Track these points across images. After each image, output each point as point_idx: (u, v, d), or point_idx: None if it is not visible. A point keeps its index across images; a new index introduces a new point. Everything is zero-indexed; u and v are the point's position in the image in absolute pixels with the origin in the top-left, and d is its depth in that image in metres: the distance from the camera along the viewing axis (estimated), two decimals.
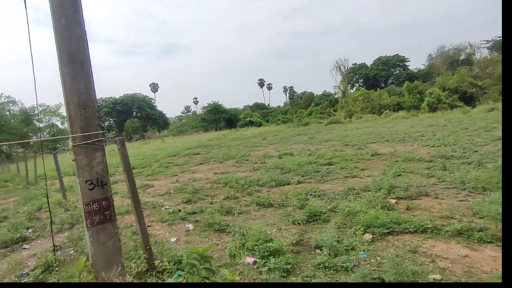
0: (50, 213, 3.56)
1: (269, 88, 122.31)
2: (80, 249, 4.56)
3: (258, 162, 12.19)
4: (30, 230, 6.38)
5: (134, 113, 59.95)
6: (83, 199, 2.45)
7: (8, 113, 33.67)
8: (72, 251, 4.65)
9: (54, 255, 4.27)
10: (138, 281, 3.08)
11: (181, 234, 5.22)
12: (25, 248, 5.47)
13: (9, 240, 5.66)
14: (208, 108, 61.38)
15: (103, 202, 2.49)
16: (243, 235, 4.50)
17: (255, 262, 3.77)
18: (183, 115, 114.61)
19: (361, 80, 70.75)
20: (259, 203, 6.31)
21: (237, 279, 2.83)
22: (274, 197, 6.58)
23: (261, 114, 64.01)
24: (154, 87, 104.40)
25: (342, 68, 51.33)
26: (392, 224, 4.34)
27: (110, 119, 59.90)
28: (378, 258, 3.62)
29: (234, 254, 4.07)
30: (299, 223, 4.93)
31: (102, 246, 2.48)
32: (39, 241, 5.78)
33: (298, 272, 3.50)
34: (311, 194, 6.57)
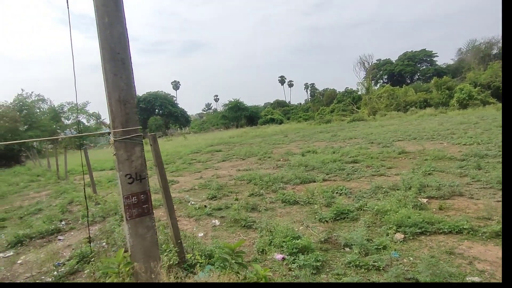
0: (87, 208, 3.71)
1: (290, 85, 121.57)
2: (113, 241, 4.71)
3: (281, 159, 12.16)
4: (63, 222, 6.67)
5: (156, 110, 61.34)
6: (123, 192, 2.53)
7: (38, 110, 35.18)
8: (104, 243, 4.81)
9: (90, 246, 4.45)
10: (171, 274, 3.14)
11: (208, 229, 5.29)
12: (60, 239, 5.73)
13: (45, 231, 5.95)
14: (229, 105, 61.81)
15: (141, 195, 2.57)
16: (270, 231, 4.52)
17: (283, 259, 3.77)
18: (204, 112, 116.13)
19: (386, 77, 68.89)
20: (285, 200, 6.31)
21: (269, 274, 2.85)
22: (299, 195, 6.55)
23: (282, 111, 63.77)
24: (176, 85, 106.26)
25: (366, 64, 50.18)
26: (425, 224, 4.20)
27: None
28: (411, 258, 3.52)
29: (263, 250, 4.09)
30: (326, 221, 4.88)
31: (141, 238, 2.56)
32: (72, 233, 6.03)
33: (328, 270, 3.47)
34: (337, 192, 6.49)
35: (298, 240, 4.00)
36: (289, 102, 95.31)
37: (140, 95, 60.38)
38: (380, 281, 3.10)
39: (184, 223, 5.72)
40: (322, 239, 4.24)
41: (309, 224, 4.95)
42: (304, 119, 51.17)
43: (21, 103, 31.96)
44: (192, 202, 7.12)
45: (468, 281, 2.98)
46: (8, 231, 6.42)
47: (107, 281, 2.50)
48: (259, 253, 4.07)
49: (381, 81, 69.61)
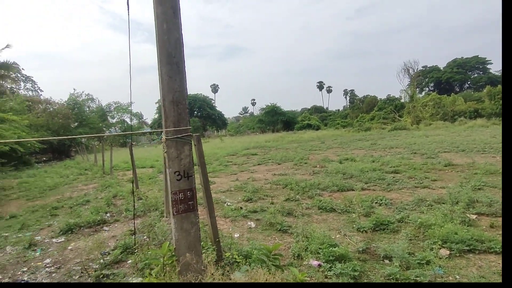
0: (134, 202, 3.95)
1: (329, 91, 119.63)
2: (153, 235, 4.95)
3: (318, 165, 12.01)
4: (108, 214, 7.09)
5: (195, 112, 63.18)
6: (171, 188, 2.68)
7: (87, 109, 37.65)
8: (146, 237, 5.07)
9: (134, 238, 4.72)
10: (212, 270, 3.25)
11: (244, 231, 5.38)
12: (105, 230, 6.10)
13: (92, 222, 6.38)
14: (266, 109, 62.10)
15: (188, 192, 2.71)
16: (307, 237, 4.50)
17: (320, 266, 3.74)
18: (241, 115, 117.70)
19: (432, 84, 65.40)
20: (321, 207, 6.23)
21: (307, 279, 2.85)
22: (336, 202, 6.43)
23: (319, 117, 62.91)
24: (215, 88, 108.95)
25: (410, 71, 47.86)
26: (473, 241, 3.95)
27: None
28: (458, 277, 3.33)
29: (298, 255, 4.08)
30: (365, 231, 4.76)
31: (185, 233, 2.69)
32: (116, 225, 6.40)
33: (365, 280, 3.38)
34: (376, 202, 6.29)
35: (335, 248, 3.95)
36: (327, 108, 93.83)
37: None
38: None
39: (220, 223, 5.85)
40: (360, 249, 4.14)
41: (347, 232, 4.86)
42: (342, 126, 50.00)
43: (73, 102, 34.54)
44: (228, 203, 7.26)
45: None
46: (60, 219, 6.99)
47: (152, 273, 2.66)
48: (295, 257, 4.07)
49: (427, 89, 66.18)
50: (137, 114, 46.68)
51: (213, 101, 70.21)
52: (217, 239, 3.88)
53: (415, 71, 49.20)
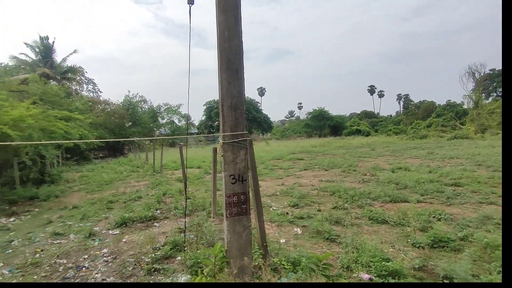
0: (186, 202, 4.09)
1: (381, 95, 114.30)
2: (201, 234, 5.08)
3: (368, 174, 11.49)
4: (158, 211, 7.42)
5: None
6: (226, 191, 2.73)
7: (140, 110, 40.04)
8: (193, 236, 5.22)
9: (185, 237, 4.89)
10: (256, 275, 3.24)
11: (290, 237, 5.30)
12: (156, 226, 6.41)
13: (144, 217, 6.74)
14: (313, 114, 61.19)
15: (242, 196, 2.74)
16: (357, 248, 4.31)
17: (371, 280, 3.55)
18: (286, 119, 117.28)
19: (501, 89, 59.29)
20: (372, 218, 5.94)
21: None
22: (389, 214, 6.09)
23: (370, 123, 60.32)
24: (261, 91, 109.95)
25: (476, 74, 43.80)
26: None
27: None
28: None
29: (347, 266, 3.92)
30: (422, 247, 4.43)
31: (237, 236, 2.72)
32: (165, 222, 6.68)
33: None
34: (434, 216, 5.83)
35: (388, 262, 3.72)
36: (378, 113, 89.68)
37: None
38: None
39: (266, 227, 5.80)
40: (416, 266, 3.85)
41: (401, 247, 4.56)
42: (395, 133, 47.40)
43: (128, 103, 37.05)
44: (274, 208, 7.23)
45: None
46: (115, 213, 7.49)
47: (204, 271, 2.72)
48: (344, 269, 3.91)
49: (494, 94, 60.23)
50: (185, 116, 48.76)
51: (259, 104, 70.82)
52: (265, 244, 3.87)
53: (481, 74, 44.98)
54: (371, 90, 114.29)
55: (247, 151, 2.80)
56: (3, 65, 27.92)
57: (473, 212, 6.05)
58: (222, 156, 2.72)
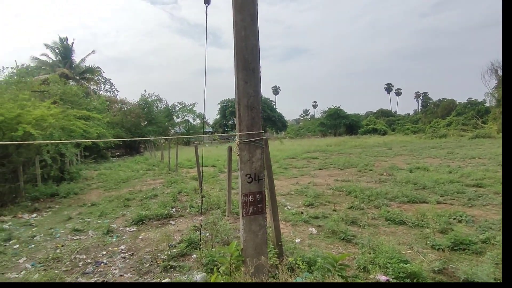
0: (201, 201, 4.10)
1: (398, 93, 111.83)
2: (216, 232, 5.09)
3: (384, 173, 11.28)
4: (174, 209, 7.49)
5: None
6: (242, 190, 2.73)
7: (156, 109, 40.54)
8: (208, 234, 5.25)
9: (200, 235, 4.93)
10: (271, 274, 3.23)
11: (305, 237, 5.26)
12: (171, 224, 6.48)
13: (160, 215, 6.82)
14: (328, 112, 60.58)
15: (258, 195, 2.73)
16: (373, 249, 4.23)
17: (388, 281, 3.48)
18: (301, 118, 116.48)
19: None
20: (389, 218, 5.82)
21: None
22: (407, 215, 5.95)
23: (386, 121, 59.21)
24: (276, 90, 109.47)
25: (499, 71, 42.24)
26: None
27: (234, 119, 65.20)
28: None
29: (364, 267, 3.85)
30: (441, 249, 4.30)
31: (253, 235, 2.72)
32: (181, 220, 6.75)
33: None
34: (455, 218, 5.66)
35: (406, 264, 3.63)
36: (395, 112, 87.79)
37: None
38: None
39: (281, 226, 5.78)
40: (436, 269, 3.75)
41: (420, 249, 4.45)
42: (412, 132, 46.35)
43: (144, 102, 37.65)
44: (289, 207, 7.20)
45: None
46: (132, 210, 7.62)
47: (220, 269, 2.73)
48: (360, 270, 3.85)
49: None
50: (200, 115, 49.16)
51: (273, 103, 70.67)
52: (280, 243, 3.85)
53: None
54: (388, 88, 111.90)
55: (263, 150, 2.78)
56: (25, 66, 28.85)
57: (496, 214, 5.85)
58: (238, 155, 2.71)
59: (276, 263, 3.58)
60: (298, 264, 3.47)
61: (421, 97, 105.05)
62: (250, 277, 2.59)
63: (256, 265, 2.63)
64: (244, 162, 2.68)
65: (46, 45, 33.88)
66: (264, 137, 3.81)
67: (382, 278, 3.55)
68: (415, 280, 3.37)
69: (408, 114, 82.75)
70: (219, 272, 2.66)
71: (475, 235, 4.72)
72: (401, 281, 3.39)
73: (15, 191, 9.15)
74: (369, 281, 3.53)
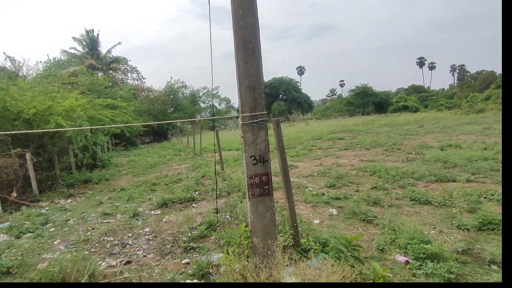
0: (216, 183, 4.14)
1: (432, 67, 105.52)
2: (235, 215, 5.18)
3: (413, 152, 10.84)
4: (196, 193, 7.68)
5: (280, 95, 63.30)
6: (247, 172, 2.72)
7: (181, 95, 41.02)
8: (228, 216, 5.34)
9: (217, 217, 5.03)
10: (285, 254, 3.24)
11: (324, 218, 5.22)
12: (194, 207, 6.66)
13: (183, 198, 7.03)
14: (355, 91, 58.48)
15: (263, 176, 2.72)
16: (394, 230, 4.12)
17: (407, 262, 3.38)
18: (328, 98, 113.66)
19: None
20: (414, 198, 5.62)
21: (389, 275, 2.60)
22: (433, 194, 5.71)
23: (419, 98, 56.29)
24: (301, 70, 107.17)
25: None
26: None
27: None
28: None
29: (382, 248, 3.77)
30: (467, 229, 4.10)
31: (260, 216, 2.72)
32: (203, 203, 6.91)
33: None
34: (485, 197, 5.36)
35: (427, 244, 3.50)
36: (429, 87, 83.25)
37: (266, 81, 63.10)
38: None
39: (300, 208, 5.80)
40: (460, 249, 3.59)
41: (443, 229, 4.27)
42: (447, 108, 43.85)
43: (170, 89, 38.25)
44: (310, 188, 7.14)
45: None
46: (157, 194, 7.90)
47: (229, 250, 2.78)
48: (378, 251, 3.77)
49: None
50: (225, 99, 49.22)
51: (299, 84, 69.43)
52: (295, 224, 3.83)
53: None
54: (421, 62, 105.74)
55: (267, 132, 2.74)
56: (56, 59, 30.20)
57: None
58: (242, 137, 2.69)
59: (291, 244, 3.59)
60: (311, 245, 3.46)
61: (457, 70, 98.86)
62: (257, 257, 2.62)
63: (263, 245, 2.65)
64: (248, 144, 2.66)
65: (74, 38, 35.13)
66: (275, 118, 3.75)
67: (401, 259, 3.46)
68: (435, 261, 3.25)
69: (443, 89, 78.22)
70: (228, 252, 2.71)
71: None
72: (421, 262, 3.29)
73: (52, 178, 9.78)
74: (387, 263, 3.45)
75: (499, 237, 3.89)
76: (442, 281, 2.92)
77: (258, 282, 1.90)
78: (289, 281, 2.11)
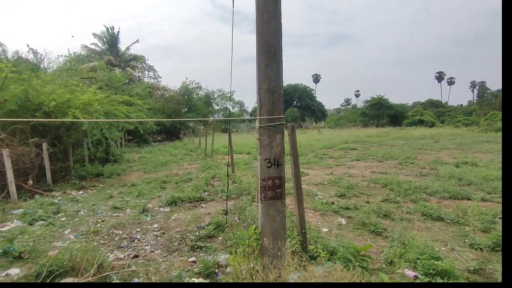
0: (228, 185, 4.17)
1: (451, 82, 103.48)
2: (244, 217, 5.18)
3: (427, 167, 10.65)
4: (206, 193, 7.71)
5: (294, 102, 63.18)
6: (261, 174, 2.74)
7: (196, 96, 41.27)
8: (236, 218, 5.35)
9: (226, 218, 5.04)
10: (294, 258, 3.22)
11: (333, 226, 5.17)
12: (202, 207, 6.70)
13: (192, 198, 7.08)
14: (370, 102, 57.84)
15: (277, 180, 2.72)
16: (404, 244, 4.04)
17: (416, 277, 3.32)
18: (342, 107, 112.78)
19: None
20: (426, 214, 5.51)
21: None
22: (446, 211, 5.60)
23: (435, 113, 55.29)
24: (316, 78, 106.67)
25: None
26: None
27: None
28: None
29: (391, 261, 3.71)
30: (480, 249, 4.00)
31: (271, 219, 2.72)
32: (212, 204, 6.94)
33: None
34: (500, 217, 5.21)
35: (437, 261, 3.43)
36: (446, 102, 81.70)
37: None
38: None
39: (309, 215, 5.76)
40: (471, 269, 3.50)
41: (455, 246, 4.17)
42: (464, 124, 42.91)
43: (184, 89, 38.58)
44: (320, 196, 7.09)
45: None
46: (167, 192, 7.97)
47: (238, 251, 2.78)
48: (387, 263, 3.71)
49: None
50: (239, 102, 49.37)
51: (313, 92, 69.16)
52: (304, 230, 3.82)
53: None
54: (440, 77, 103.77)
55: (284, 136, 2.75)
56: (76, 54, 30.98)
57: None
58: (258, 139, 2.71)
59: (298, 250, 3.57)
60: (319, 252, 3.43)
61: (477, 87, 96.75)
62: (266, 258, 2.62)
63: (272, 248, 2.64)
64: (264, 147, 2.67)
65: (94, 34, 35.97)
66: (291, 124, 3.76)
67: (410, 274, 3.39)
68: (445, 279, 3.18)
69: (461, 105, 76.52)
70: (236, 253, 2.72)
71: None
72: (431, 278, 3.22)
73: (65, 169, 10.00)
74: (395, 276, 3.39)
75: None
76: None
77: (264, 282, 1.90)
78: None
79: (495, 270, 3.45)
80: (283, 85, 2.70)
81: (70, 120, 5.79)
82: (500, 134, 27.51)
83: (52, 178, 9.04)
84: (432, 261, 3.43)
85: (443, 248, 4.15)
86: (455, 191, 6.87)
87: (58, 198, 7.60)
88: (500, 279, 3.22)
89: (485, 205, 6.00)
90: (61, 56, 21.88)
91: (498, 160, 11.57)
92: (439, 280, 3.12)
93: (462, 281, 3.14)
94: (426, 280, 3.19)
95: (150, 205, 6.88)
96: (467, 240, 4.34)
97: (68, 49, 51.57)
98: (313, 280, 2.03)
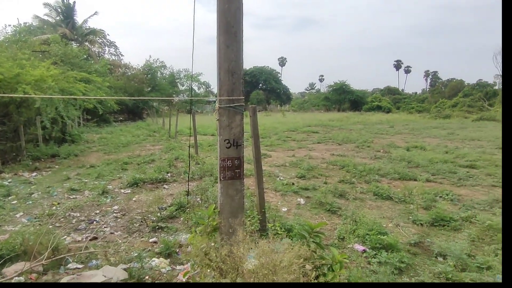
0: (189, 166, 4.18)
1: (407, 71, 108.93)
2: (206, 198, 5.25)
3: (381, 150, 11.34)
4: (168, 174, 7.66)
5: (260, 85, 63.08)
6: (220, 155, 2.80)
7: (160, 75, 39.69)
8: (199, 199, 5.41)
9: (187, 199, 5.08)
10: (251, 237, 3.37)
11: (292, 206, 5.42)
12: (165, 188, 6.66)
13: (154, 179, 7.00)
14: (333, 87, 59.43)
15: (236, 160, 2.80)
16: (355, 221, 4.37)
17: (364, 251, 3.63)
18: (306, 91, 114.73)
19: None
20: (377, 193, 5.94)
21: (346, 261, 2.79)
22: (395, 191, 6.07)
23: (392, 99, 58.14)
24: (282, 61, 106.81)
25: None
26: None
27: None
28: None
29: (343, 237, 4.01)
30: (421, 224, 4.44)
31: (230, 199, 2.82)
32: (174, 185, 6.93)
33: (412, 274, 3.20)
34: (441, 196, 5.77)
35: (384, 236, 3.77)
36: (403, 90, 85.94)
37: (247, 68, 62.45)
38: None
39: (270, 195, 5.96)
40: (412, 242, 3.90)
41: (400, 223, 4.59)
42: (417, 111, 45.71)
43: (148, 68, 36.94)
44: (281, 178, 7.33)
45: None
46: (128, 173, 7.79)
47: (197, 230, 2.86)
48: (339, 239, 4.00)
49: None
50: (205, 83, 48.28)
51: (279, 75, 69.54)
52: (263, 210, 3.98)
53: None
54: (398, 65, 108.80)
55: (243, 117, 2.81)
56: (27, 24, 28.29)
57: (484, 194, 5.93)
58: (217, 120, 2.75)
59: (258, 228, 3.73)
60: (277, 230, 3.62)
61: (430, 76, 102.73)
62: (224, 236, 2.73)
63: (231, 227, 2.76)
64: (223, 128, 2.72)
65: (46, 4, 32.84)
66: (252, 105, 3.83)
67: (358, 248, 3.70)
68: (390, 251, 3.51)
69: (416, 93, 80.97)
70: (196, 232, 2.80)
71: (457, 213, 4.84)
72: (377, 252, 3.54)
73: (17, 150, 9.35)
74: (345, 250, 3.68)
75: (448, 232, 4.24)
76: (393, 269, 3.17)
77: (264, 282, 2.00)
78: (250, 261, 2.23)
79: (432, 243, 3.86)
80: (245, 68, 2.74)
81: (20, 95, 5.34)
82: (447, 120, 29.76)
83: (1, 158, 8.42)
84: (379, 236, 3.77)
85: (390, 224, 4.55)
86: (404, 172, 7.44)
87: (9, 180, 7.14)
88: (436, 251, 3.62)
89: (429, 185, 6.58)
90: (9, 25, 19.89)
91: (444, 145, 12.59)
92: (383, 253, 3.44)
93: (403, 253, 3.48)
94: (373, 253, 3.51)
95: (110, 186, 6.71)
96: (410, 217, 4.77)
97: (17, 18, 46.75)
98: (262, 255, 2.18)
